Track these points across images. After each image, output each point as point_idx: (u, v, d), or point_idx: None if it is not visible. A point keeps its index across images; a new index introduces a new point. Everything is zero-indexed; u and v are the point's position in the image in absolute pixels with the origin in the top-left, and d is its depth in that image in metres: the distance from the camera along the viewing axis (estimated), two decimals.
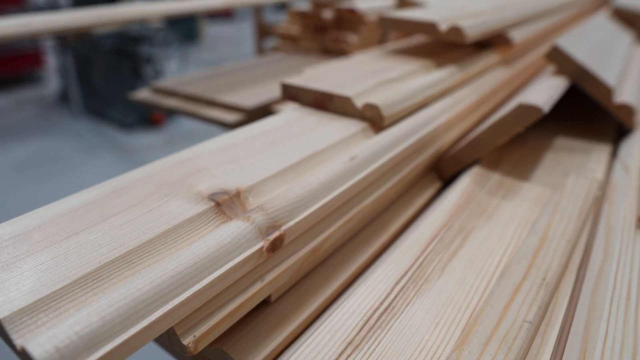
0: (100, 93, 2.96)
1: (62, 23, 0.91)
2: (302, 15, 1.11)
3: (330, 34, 1.07)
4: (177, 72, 3.17)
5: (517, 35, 0.68)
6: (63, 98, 3.20)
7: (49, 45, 3.64)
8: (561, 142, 0.55)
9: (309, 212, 0.31)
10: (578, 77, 0.53)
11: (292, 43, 1.14)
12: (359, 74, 0.51)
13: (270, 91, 0.83)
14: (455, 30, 0.55)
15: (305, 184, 0.33)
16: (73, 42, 2.90)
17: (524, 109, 0.43)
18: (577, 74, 0.53)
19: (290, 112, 0.47)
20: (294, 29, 1.13)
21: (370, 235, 0.40)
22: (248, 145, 0.39)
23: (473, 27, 0.57)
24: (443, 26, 0.56)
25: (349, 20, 1.07)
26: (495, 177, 0.45)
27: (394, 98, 0.45)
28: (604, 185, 0.43)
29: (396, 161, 0.41)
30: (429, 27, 0.57)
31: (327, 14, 1.06)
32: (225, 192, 0.32)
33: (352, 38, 1.04)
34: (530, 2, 0.86)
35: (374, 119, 0.44)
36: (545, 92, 0.46)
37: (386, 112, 0.43)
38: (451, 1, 0.79)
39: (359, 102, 0.44)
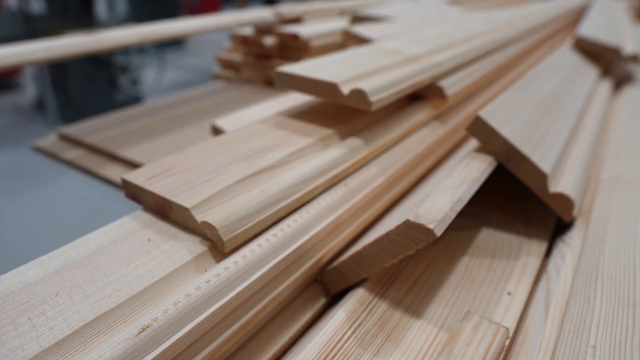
0: (77, 102, 2.86)
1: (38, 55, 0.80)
2: (244, 41, 1.00)
3: (273, 63, 0.97)
4: (154, 80, 3.07)
5: (453, 86, 0.57)
6: (39, 106, 3.10)
7: None
8: (487, 235, 0.44)
9: None
10: (505, 158, 0.42)
11: (234, 71, 1.03)
12: (226, 160, 0.41)
13: (184, 139, 0.73)
14: (358, 95, 0.45)
15: None
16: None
17: (411, 228, 0.32)
18: (504, 153, 0.42)
19: (124, 222, 0.36)
20: (235, 55, 1.02)
21: None
22: (21, 299, 0.28)
23: (382, 89, 0.46)
24: (346, 89, 0.45)
25: (293, 47, 0.96)
26: (380, 309, 0.35)
27: (243, 211, 0.34)
28: (516, 330, 0.33)
29: (233, 307, 0.31)
30: (330, 89, 0.46)
31: (269, 41, 0.95)
32: None
33: None
34: (485, 38, 0.75)
35: (215, 241, 0.33)
36: (450, 193, 0.35)
37: (227, 236, 0.33)
38: (393, 41, 0.69)
39: (200, 215, 0.34)
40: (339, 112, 0.51)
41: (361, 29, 0.77)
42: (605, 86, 0.75)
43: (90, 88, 2.79)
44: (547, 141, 0.46)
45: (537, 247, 0.42)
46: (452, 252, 0.41)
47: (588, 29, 0.87)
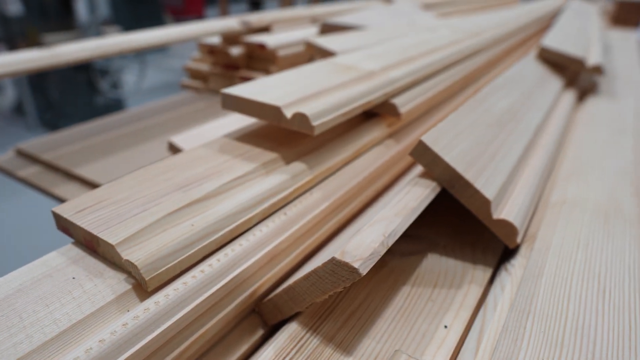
0: (56, 106, 2.82)
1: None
2: (211, 51, 0.99)
3: (240, 73, 0.95)
4: (135, 83, 3.04)
5: (408, 103, 0.57)
6: (18, 110, 3.06)
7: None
8: (433, 261, 0.43)
9: None
10: (449, 183, 0.41)
11: (202, 81, 1.02)
12: (162, 190, 0.40)
13: (144, 155, 0.72)
14: (300, 119, 0.44)
15: None
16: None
17: (337, 265, 0.31)
18: (448, 179, 0.41)
19: (50, 259, 0.35)
20: (204, 65, 1.01)
21: None
22: None
23: (327, 112, 0.45)
24: (289, 113, 0.45)
25: (260, 57, 0.95)
26: (311, 345, 0.34)
27: (170, 247, 0.33)
28: None
29: (153, 349, 0.30)
30: (274, 113, 0.45)
31: (235, 51, 0.94)
32: None
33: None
34: (450, 49, 0.75)
35: (139, 280, 0.32)
36: (383, 226, 0.34)
37: (150, 275, 0.32)
38: (351, 56, 0.68)
39: (125, 252, 0.33)
40: (288, 133, 0.50)
41: (323, 41, 0.76)
42: (569, 98, 0.75)
43: (69, 91, 2.76)
44: (495, 164, 0.45)
45: (482, 275, 0.41)
46: (394, 281, 0.41)
47: (554, 38, 0.87)
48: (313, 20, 1.14)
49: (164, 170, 0.43)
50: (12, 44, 2.79)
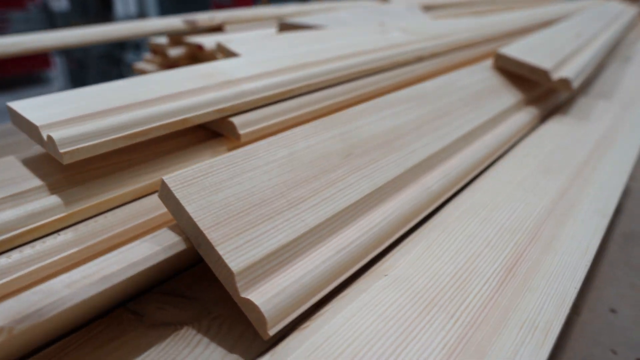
0: None
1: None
2: (154, 50, 0.92)
3: None
4: None
5: (258, 122, 0.47)
6: None
7: None
8: (181, 340, 0.33)
9: None
10: (195, 240, 0.32)
11: None
12: None
13: None
14: (52, 144, 0.35)
15: None
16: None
17: None
18: (193, 235, 0.31)
19: None
20: (150, 66, 0.95)
21: None
22: None
23: (94, 135, 0.37)
24: (46, 135, 0.36)
25: (202, 59, 0.87)
26: None
27: None
28: None
29: None
30: (37, 134, 0.37)
31: (174, 52, 0.87)
32: None
33: None
34: (374, 55, 0.63)
35: None
36: None
37: None
38: (227, 63, 0.59)
39: None
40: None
41: (233, 44, 0.67)
42: (520, 118, 0.61)
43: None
44: (291, 214, 0.34)
45: None
46: None
47: (524, 45, 0.72)
48: (280, 20, 1.05)
49: None
50: None
